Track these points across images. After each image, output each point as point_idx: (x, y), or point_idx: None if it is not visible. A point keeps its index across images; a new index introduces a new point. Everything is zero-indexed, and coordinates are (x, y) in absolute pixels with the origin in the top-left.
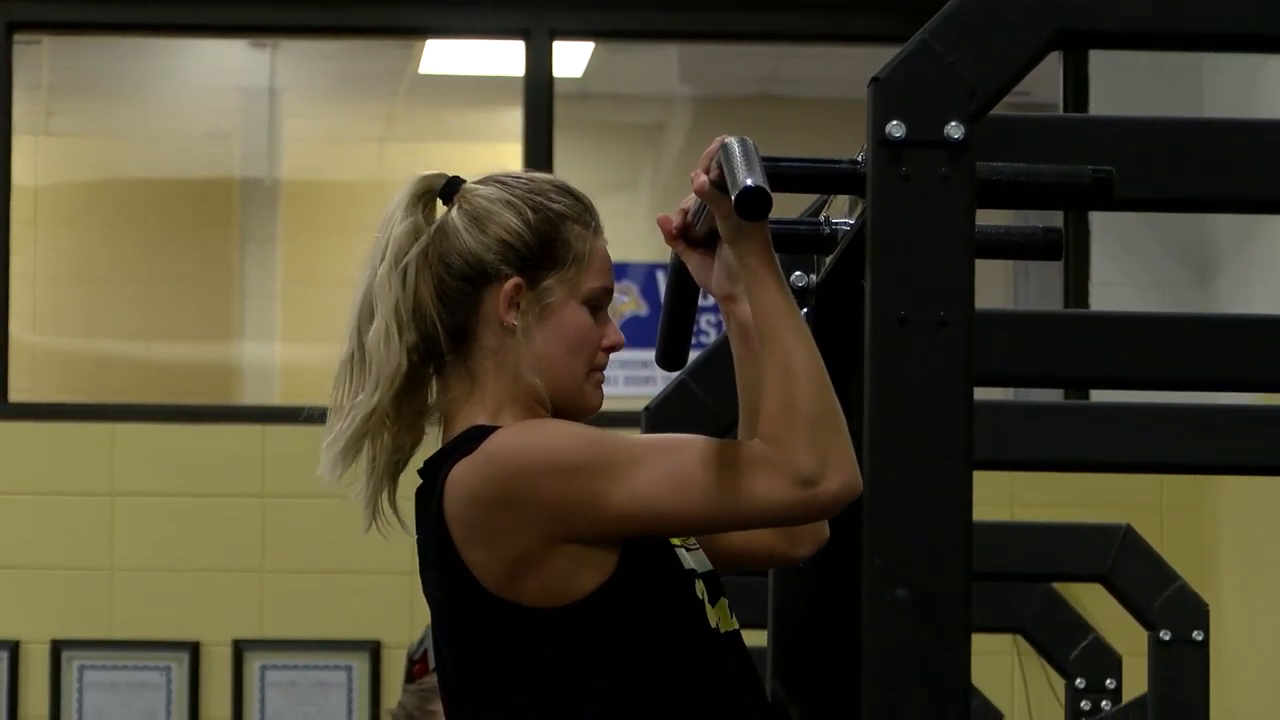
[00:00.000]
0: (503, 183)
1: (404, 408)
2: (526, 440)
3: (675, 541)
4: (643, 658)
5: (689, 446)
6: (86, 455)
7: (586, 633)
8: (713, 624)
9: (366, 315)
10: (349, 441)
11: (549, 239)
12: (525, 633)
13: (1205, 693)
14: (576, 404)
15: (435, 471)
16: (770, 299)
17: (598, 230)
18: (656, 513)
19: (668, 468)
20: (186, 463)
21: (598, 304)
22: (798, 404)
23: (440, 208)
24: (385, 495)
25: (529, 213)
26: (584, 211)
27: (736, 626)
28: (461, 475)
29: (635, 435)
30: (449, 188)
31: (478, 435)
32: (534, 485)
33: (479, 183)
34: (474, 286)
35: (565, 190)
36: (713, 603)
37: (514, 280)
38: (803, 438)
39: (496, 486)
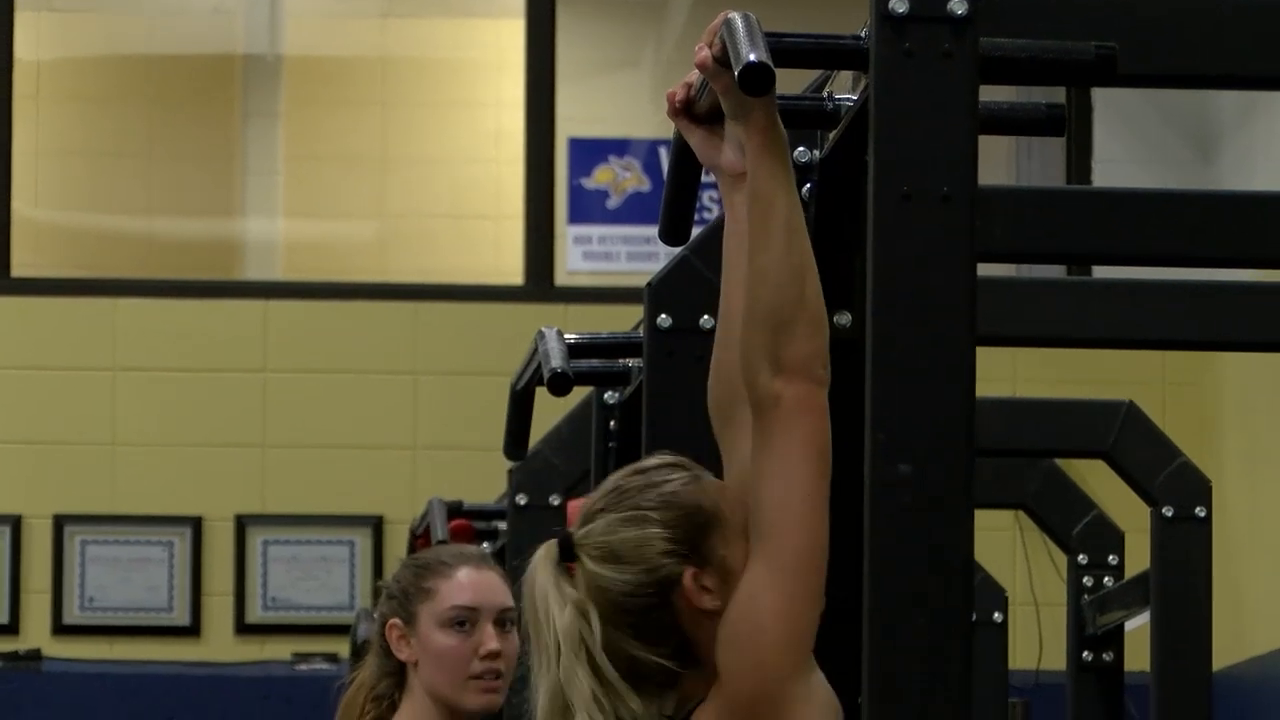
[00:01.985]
0: (605, 510)
1: None
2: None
3: None
4: None
5: (760, 545)
6: (89, 330)
7: None
8: None
9: (559, 713)
10: None
11: (687, 514)
12: None
13: (1207, 568)
14: None
15: None
16: (764, 182)
17: (704, 472)
18: (804, 593)
19: (762, 572)
20: (188, 338)
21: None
22: (758, 304)
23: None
24: None
25: (653, 514)
26: (686, 466)
27: None
28: None
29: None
30: (565, 547)
31: None
32: (761, 705)
33: (585, 524)
34: (663, 603)
35: (661, 467)
36: None
37: (690, 571)
38: (766, 347)
39: None
